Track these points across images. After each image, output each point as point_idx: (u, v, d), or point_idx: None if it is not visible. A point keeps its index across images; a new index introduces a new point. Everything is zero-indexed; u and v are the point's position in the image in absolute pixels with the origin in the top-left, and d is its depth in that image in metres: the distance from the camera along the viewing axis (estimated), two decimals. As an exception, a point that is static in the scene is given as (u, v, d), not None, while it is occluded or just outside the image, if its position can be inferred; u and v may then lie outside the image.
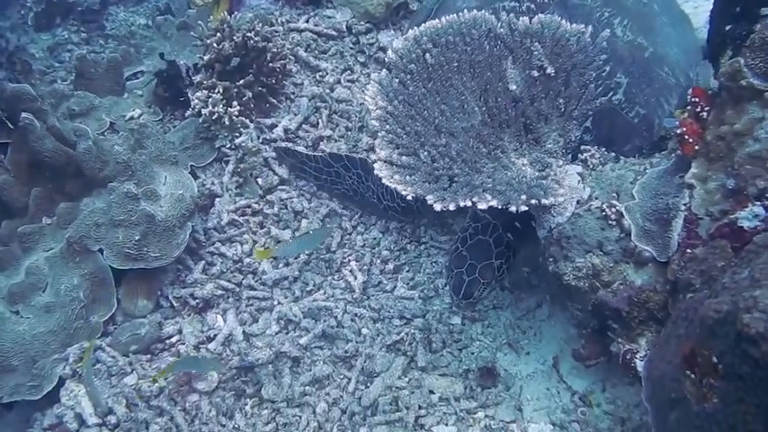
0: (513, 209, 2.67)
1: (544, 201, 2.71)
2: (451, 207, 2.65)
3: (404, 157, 2.82)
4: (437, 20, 3.11)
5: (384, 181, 2.75)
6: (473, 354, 3.77)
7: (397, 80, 3.02)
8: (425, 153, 2.85)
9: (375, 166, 2.81)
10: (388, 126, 2.89)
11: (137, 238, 3.83)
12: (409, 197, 2.73)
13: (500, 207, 2.69)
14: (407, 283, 4.14)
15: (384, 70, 3.04)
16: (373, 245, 4.33)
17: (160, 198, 3.98)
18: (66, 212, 4.07)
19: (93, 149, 4.01)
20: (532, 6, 3.19)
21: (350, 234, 4.40)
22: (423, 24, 3.12)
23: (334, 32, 5.14)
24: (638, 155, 3.34)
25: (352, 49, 5.11)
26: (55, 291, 3.85)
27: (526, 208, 2.70)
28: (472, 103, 3.06)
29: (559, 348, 3.68)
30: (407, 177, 2.77)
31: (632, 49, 3.41)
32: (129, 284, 4.01)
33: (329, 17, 5.22)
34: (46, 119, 4.08)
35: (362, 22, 5.13)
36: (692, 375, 2.05)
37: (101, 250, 3.89)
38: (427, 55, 3.04)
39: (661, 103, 3.45)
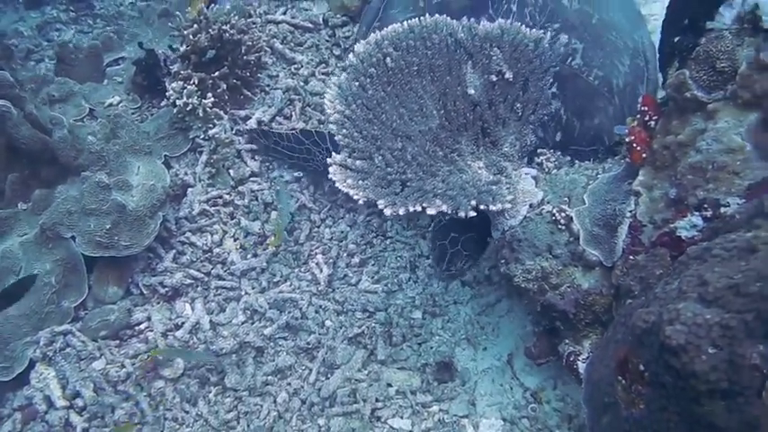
0: (461, 214, 2.75)
1: (492, 207, 2.79)
2: (401, 212, 2.73)
3: (358, 162, 2.89)
4: (398, 24, 3.17)
5: (337, 185, 2.83)
6: (432, 348, 3.87)
7: (356, 83, 3.08)
8: (380, 157, 2.92)
9: (330, 169, 2.88)
10: (344, 130, 2.96)
11: (108, 226, 3.90)
12: (360, 201, 2.80)
13: (450, 212, 2.76)
14: (372, 277, 4.22)
15: (344, 73, 3.10)
16: (341, 238, 4.41)
17: (132, 188, 4.06)
18: (40, 199, 4.13)
19: (68, 138, 4.08)
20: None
21: (318, 227, 4.47)
22: (385, 28, 3.18)
23: (310, 25, 5.19)
24: (607, 129, 3.47)
25: (327, 41, 5.16)
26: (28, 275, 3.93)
27: (475, 214, 2.78)
28: (431, 106, 3.14)
29: (515, 345, 3.78)
30: (360, 182, 2.84)
31: (581, 16, 3.54)
32: (101, 271, 4.09)
33: (306, 9, 5.28)
34: (24, 106, 4.12)
35: (339, 15, 5.18)
36: (623, 381, 2.14)
37: (73, 237, 3.96)
38: (388, 59, 3.11)
39: (615, 64, 3.58)
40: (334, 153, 2.94)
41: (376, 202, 2.77)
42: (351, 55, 3.11)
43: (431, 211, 2.74)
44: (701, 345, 1.81)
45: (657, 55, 3.06)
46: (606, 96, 3.49)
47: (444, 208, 2.76)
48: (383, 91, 3.09)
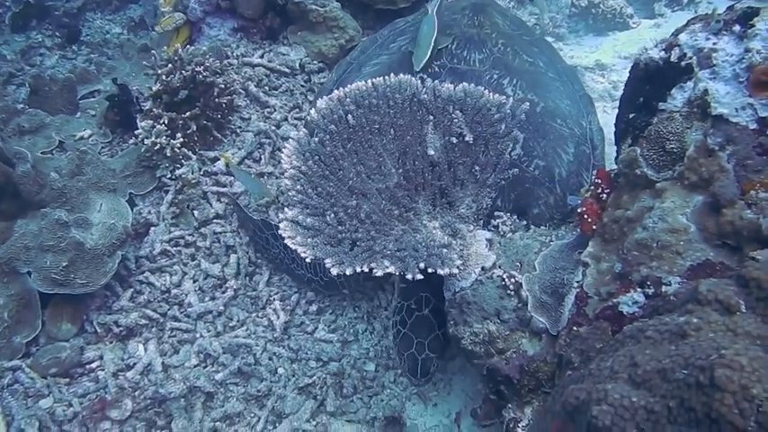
0: (409, 276, 2.77)
1: (440, 271, 2.81)
2: (348, 271, 2.74)
3: (309, 219, 2.91)
4: (363, 82, 3.21)
5: (287, 242, 2.84)
6: (382, 401, 3.88)
7: (316, 139, 3.11)
8: (332, 215, 2.94)
9: (280, 225, 2.90)
10: (299, 186, 2.98)
11: (64, 264, 3.89)
12: (308, 259, 2.81)
13: (397, 274, 2.78)
14: (328, 326, 4.23)
15: (303, 129, 3.13)
16: (299, 285, 4.41)
17: (92, 226, 4.06)
18: (-1, 232, 4.13)
19: (30, 173, 4.08)
20: (425, 76, 3.30)
21: (281, 275, 4.48)
22: (349, 86, 3.22)
23: (286, 69, 5.25)
24: (547, 217, 3.50)
25: (302, 87, 5.22)
26: (-19, 309, 3.91)
27: (422, 276, 2.80)
28: (390, 164, 3.17)
29: (464, 403, 3.79)
30: (309, 240, 2.85)
31: None
32: (56, 307, 4.08)
33: (283, 54, 5.33)
34: (-10, 137, 4.15)
35: (315, 62, 5.26)
36: (556, 454, 2.16)
37: (29, 273, 3.94)
38: (349, 116, 3.14)
39: (558, 153, 3.61)
40: (287, 209, 2.95)
41: (324, 260, 2.78)
42: (312, 110, 3.14)
43: (378, 273, 2.75)
44: (626, 427, 1.83)
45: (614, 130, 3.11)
46: (547, 186, 3.53)
47: (392, 269, 2.78)
48: (342, 148, 3.12)
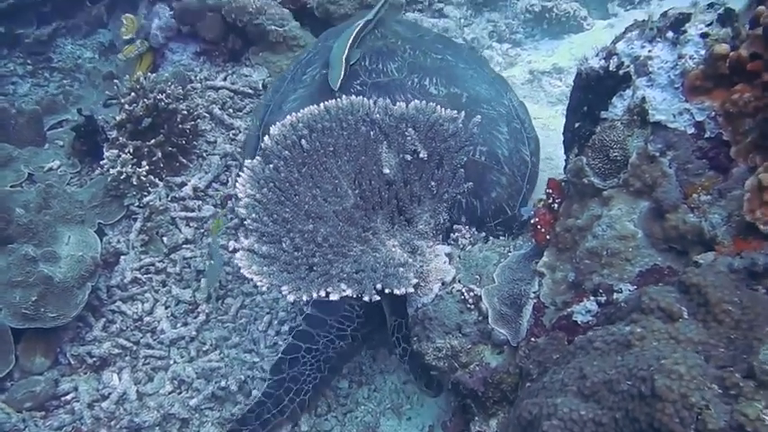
0: (366, 298, 2.80)
1: (396, 291, 2.84)
2: (305, 298, 2.77)
3: (264, 247, 2.93)
4: (315, 106, 3.24)
5: (242, 271, 2.85)
6: (357, 418, 3.90)
7: (270, 166, 3.13)
8: (288, 241, 2.96)
9: (236, 255, 2.92)
10: (254, 214, 3.00)
11: (34, 298, 3.92)
12: (264, 288, 2.83)
13: (354, 297, 2.81)
14: (302, 345, 4.23)
15: (257, 156, 3.16)
16: (272, 306, 4.43)
17: (60, 259, 4.08)
18: (-32, 269, 4.14)
19: (-5, 211, 4.11)
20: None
21: (253, 297, 4.50)
22: (301, 110, 3.25)
23: (250, 90, 5.29)
24: (505, 197, 3.60)
25: (267, 107, 5.25)
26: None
27: (379, 298, 2.83)
28: (346, 186, 3.19)
29: (437, 417, 3.81)
30: (265, 268, 2.87)
31: (452, 100, 3.69)
32: (28, 341, 4.10)
33: (246, 75, 5.38)
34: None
35: (278, 82, 5.28)
36: (515, 467, 2.19)
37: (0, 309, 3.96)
38: (303, 140, 3.16)
39: (495, 135, 3.71)
40: (242, 238, 2.98)
41: (280, 288, 2.81)
42: (266, 138, 3.16)
43: (334, 297, 2.78)
44: (575, 440, 1.87)
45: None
46: (496, 168, 3.60)
47: (349, 292, 2.80)
48: (297, 172, 3.14)
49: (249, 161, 3.13)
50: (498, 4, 6.36)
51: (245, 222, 2.99)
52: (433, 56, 3.97)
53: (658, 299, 2.09)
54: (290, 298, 2.77)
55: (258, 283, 2.81)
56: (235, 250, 2.93)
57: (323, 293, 2.79)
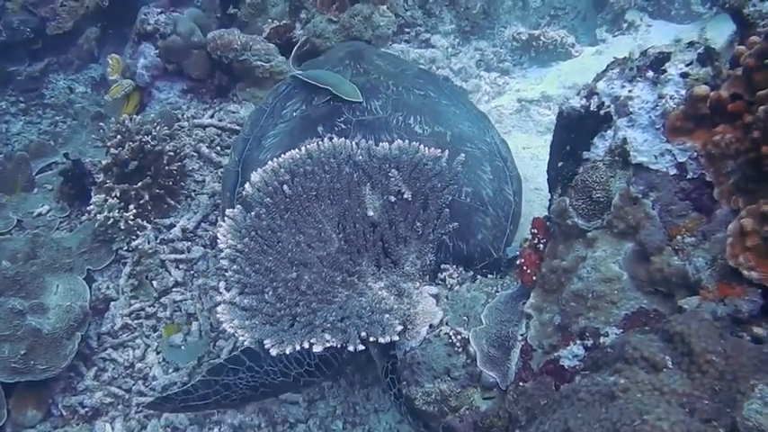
0: (350, 348, 2.76)
1: (381, 340, 2.80)
2: (288, 351, 2.73)
3: (245, 300, 2.90)
4: (296, 150, 3.22)
5: (224, 326, 2.82)
6: (353, 460, 3.86)
7: (252, 214, 3.10)
8: (271, 291, 2.93)
9: (218, 309, 2.88)
10: (236, 266, 2.97)
11: (23, 352, 3.90)
12: (246, 342, 2.80)
13: (338, 347, 2.78)
14: (295, 387, 4.20)
15: (238, 206, 3.13)
16: (264, 347, 4.38)
17: (48, 310, 4.07)
18: (-44, 323, 4.12)
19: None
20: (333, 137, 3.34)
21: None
22: (283, 155, 3.23)
23: (237, 127, 5.26)
24: (490, 239, 3.55)
25: (255, 143, 5.23)
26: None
27: (363, 347, 2.79)
28: (330, 230, 3.17)
29: (434, 458, 3.76)
30: (247, 322, 2.84)
31: (436, 138, 3.63)
32: (19, 395, 4.08)
33: (233, 112, 5.37)
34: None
35: (265, 117, 5.26)
36: None
37: (-11, 363, 3.94)
38: (285, 186, 3.14)
39: (479, 174, 3.65)
40: (225, 291, 2.94)
41: (263, 341, 2.77)
42: (247, 185, 3.14)
43: (317, 349, 2.74)
44: (561, 500, 1.84)
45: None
46: (481, 209, 3.55)
47: (333, 342, 2.77)
48: (280, 219, 3.12)
49: (230, 210, 3.11)
50: (486, 32, 6.36)
51: (227, 274, 2.96)
52: (416, 92, 3.93)
53: (642, 349, 2.07)
54: (273, 352, 2.73)
55: (240, 338, 2.78)
56: (216, 304, 2.90)
57: (306, 345, 2.75)
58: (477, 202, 3.55)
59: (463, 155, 3.28)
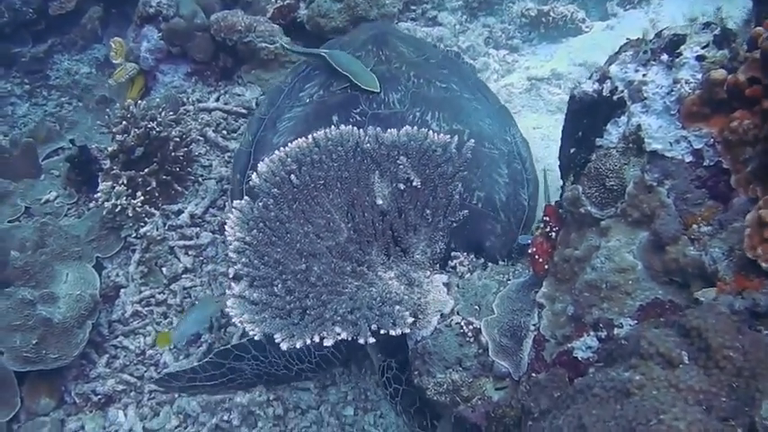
0: (361, 341, 2.74)
1: (392, 332, 2.77)
2: (298, 345, 2.70)
3: (255, 294, 2.86)
4: (303, 139, 3.17)
5: (234, 320, 2.80)
6: (363, 447, 3.86)
7: (260, 204, 3.07)
8: (281, 284, 2.89)
9: (228, 303, 2.85)
10: (244, 259, 2.94)
11: (34, 341, 3.90)
12: (257, 337, 2.78)
13: (349, 339, 2.75)
14: (306, 372, 4.20)
15: (246, 197, 3.10)
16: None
17: (58, 300, 4.05)
18: (-33, 314, 4.12)
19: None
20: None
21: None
22: (290, 144, 3.18)
23: (243, 110, 5.22)
24: (499, 247, 3.48)
25: (261, 126, 5.18)
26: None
27: (374, 340, 2.76)
28: (338, 220, 3.13)
29: (446, 445, 3.76)
30: (256, 315, 2.81)
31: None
32: (32, 383, 4.09)
33: (239, 95, 5.31)
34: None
35: (271, 100, 5.22)
36: None
37: (1, 353, 3.93)
38: (292, 176, 3.10)
39: (494, 178, 3.57)
40: (234, 285, 2.92)
41: (273, 335, 2.75)
42: (254, 175, 3.10)
43: (328, 343, 2.71)
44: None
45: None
46: (492, 216, 3.48)
47: (344, 335, 2.74)
48: (288, 209, 3.08)
49: (237, 202, 3.08)
50: (494, 7, 6.24)
51: (236, 267, 2.93)
52: (438, 84, 3.83)
53: (657, 344, 2.03)
54: (284, 346, 2.71)
55: (250, 333, 2.76)
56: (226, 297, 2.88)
57: (317, 339, 2.72)
58: (489, 207, 3.49)
59: (472, 141, 3.21)
